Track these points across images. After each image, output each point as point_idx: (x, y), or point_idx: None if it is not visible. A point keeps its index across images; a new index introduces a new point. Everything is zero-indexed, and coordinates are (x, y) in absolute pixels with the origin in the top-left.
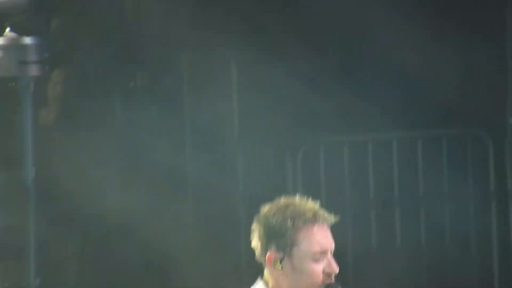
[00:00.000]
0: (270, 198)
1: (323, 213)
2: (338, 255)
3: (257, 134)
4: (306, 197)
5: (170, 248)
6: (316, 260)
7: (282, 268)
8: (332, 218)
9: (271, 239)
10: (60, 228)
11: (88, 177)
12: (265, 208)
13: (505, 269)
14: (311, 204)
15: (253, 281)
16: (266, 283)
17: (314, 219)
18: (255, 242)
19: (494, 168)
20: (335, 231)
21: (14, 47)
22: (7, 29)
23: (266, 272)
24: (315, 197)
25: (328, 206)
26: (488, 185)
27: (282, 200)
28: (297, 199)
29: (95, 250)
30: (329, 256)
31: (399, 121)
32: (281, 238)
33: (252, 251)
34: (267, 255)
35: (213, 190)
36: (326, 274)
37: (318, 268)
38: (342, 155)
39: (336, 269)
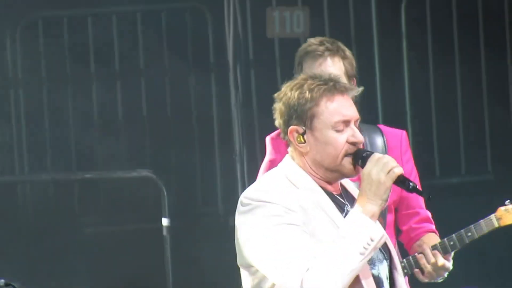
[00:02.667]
0: None
1: (344, 83)
2: None
3: None
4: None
5: None
6: (338, 130)
7: (304, 141)
8: (354, 89)
9: (291, 114)
10: None
11: None
12: (286, 85)
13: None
14: (331, 76)
15: None
16: (292, 159)
17: (333, 88)
18: (278, 121)
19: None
20: None
21: None
22: None
23: (290, 149)
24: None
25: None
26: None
27: (302, 76)
28: (317, 74)
29: None
30: (353, 126)
31: None
32: (301, 111)
33: None
34: (289, 130)
35: None
36: (351, 143)
37: (341, 138)
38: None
39: (361, 138)
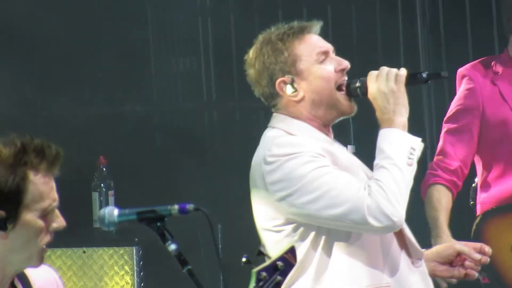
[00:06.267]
0: None
1: (304, 23)
2: None
3: None
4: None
5: None
6: (323, 62)
7: (296, 89)
8: (317, 24)
9: (272, 70)
10: None
11: None
12: (251, 51)
13: None
14: (288, 24)
15: None
16: (284, 115)
17: (300, 29)
18: (258, 88)
19: None
20: None
21: None
22: None
23: (278, 107)
24: None
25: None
26: None
27: (260, 37)
28: (274, 26)
29: None
30: (333, 55)
31: None
32: (282, 62)
33: None
34: (277, 85)
35: None
36: (339, 72)
37: (329, 68)
38: None
39: (346, 63)
